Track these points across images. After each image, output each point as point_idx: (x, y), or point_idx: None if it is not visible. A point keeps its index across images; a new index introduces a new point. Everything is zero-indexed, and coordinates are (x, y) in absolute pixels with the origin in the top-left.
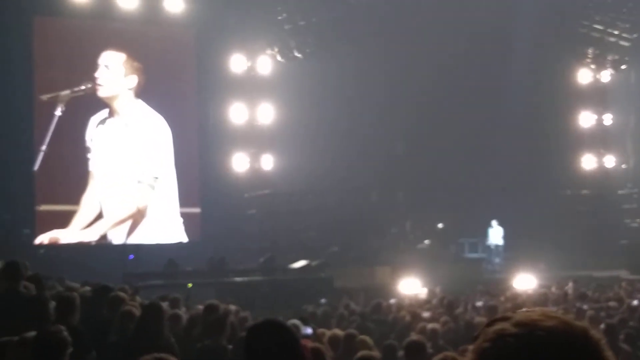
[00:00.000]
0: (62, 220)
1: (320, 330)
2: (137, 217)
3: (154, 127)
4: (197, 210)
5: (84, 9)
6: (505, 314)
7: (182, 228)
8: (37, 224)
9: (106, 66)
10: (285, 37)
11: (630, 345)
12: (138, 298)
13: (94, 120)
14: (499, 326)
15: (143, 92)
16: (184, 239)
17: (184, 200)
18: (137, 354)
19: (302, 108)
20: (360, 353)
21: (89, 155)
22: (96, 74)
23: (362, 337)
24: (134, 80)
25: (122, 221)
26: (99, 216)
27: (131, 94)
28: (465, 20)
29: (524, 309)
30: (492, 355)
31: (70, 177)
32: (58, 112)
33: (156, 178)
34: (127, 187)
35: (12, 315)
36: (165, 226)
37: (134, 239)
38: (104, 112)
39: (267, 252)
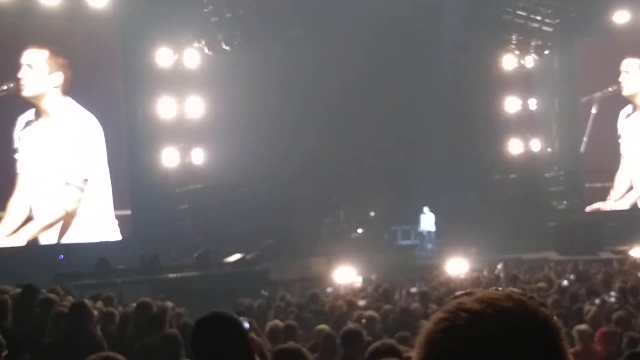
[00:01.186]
0: None
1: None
2: (66, 220)
3: (84, 126)
4: (128, 210)
5: (5, 6)
6: (470, 290)
7: (115, 227)
8: None
9: (29, 65)
10: (212, 30)
11: (563, 325)
12: (70, 298)
13: (21, 120)
14: (459, 300)
15: (71, 90)
16: (116, 237)
17: (117, 199)
18: (67, 355)
19: (231, 101)
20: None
21: (17, 157)
22: (19, 74)
23: (320, 326)
24: (59, 77)
25: (51, 225)
26: (27, 220)
27: (58, 92)
28: (391, 7)
29: (460, 292)
30: (447, 326)
31: None
32: None
33: (86, 180)
34: (55, 190)
35: None
36: (97, 226)
37: (65, 241)
38: (31, 113)
39: (200, 247)
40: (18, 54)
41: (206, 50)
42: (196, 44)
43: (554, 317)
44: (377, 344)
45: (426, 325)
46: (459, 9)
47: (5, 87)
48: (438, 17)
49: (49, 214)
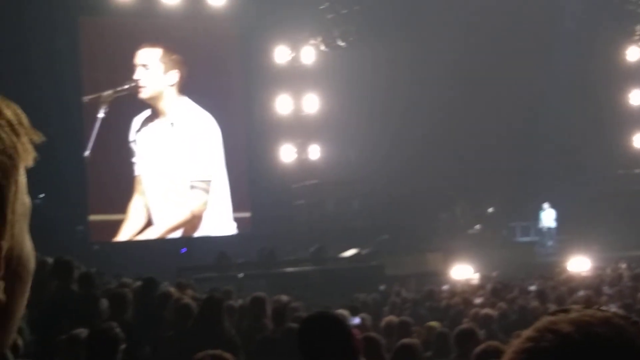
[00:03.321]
0: (111, 229)
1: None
2: (192, 223)
3: (202, 125)
4: (248, 212)
5: (127, 7)
6: (567, 306)
7: (234, 223)
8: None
9: (144, 65)
10: (328, 26)
11: None
12: (190, 291)
13: (137, 121)
14: (552, 318)
15: (187, 89)
16: (234, 231)
17: (236, 199)
18: (197, 348)
19: (347, 97)
20: (402, 341)
21: (134, 159)
22: (135, 75)
23: (431, 323)
24: (175, 75)
25: (176, 228)
26: (149, 223)
27: (174, 90)
28: (508, 4)
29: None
30: (531, 347)
31: (117, 183)
32: (101, 114)
33: (209, 181)
34: (180, 192)
35: (64, 314)
36: (218, 223)
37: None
38: (147, 113)
39: (316, 242)
40: (134, 54)
41: (322, 47)
42: (312, 41)
43: None
44: (482, 346)
45: (514, 342)
46: (579, 1)
47: (127, 87)
48: (559, 9)
49: (174, 216)
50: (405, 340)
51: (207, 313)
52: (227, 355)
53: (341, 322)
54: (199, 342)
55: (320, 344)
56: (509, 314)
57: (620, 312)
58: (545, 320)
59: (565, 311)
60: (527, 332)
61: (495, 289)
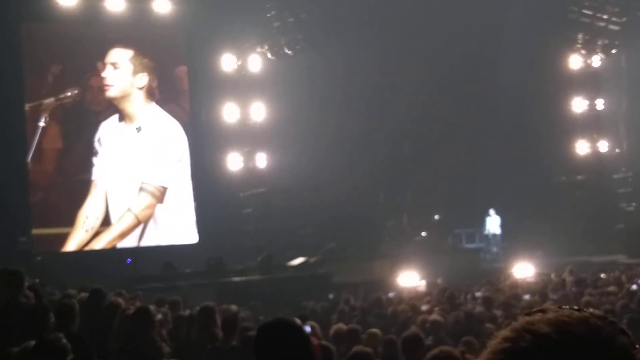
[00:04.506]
0: (57, 241)
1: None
2: (138, 227)
3: (168, 132)
4: (193, 215)
5: (71, 14)
6: (542, 307)
7: (183, 230)
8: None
9: (113, 64)
10: (274, 35)
11: (634, 331)
12: (137, 302)
13: (104, 124)
14: (529, 318)
15: (155, 94)
16: (182, 240)
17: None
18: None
19: (294, 105)
20: (355, 348)
21: (95, 161)
22: (103, 73)
23: (372, 330)
24: (144, 79)
25: (125, 233)
26: (102, 229)
27: (142, 95)
28: (454, 11)
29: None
30: (508, 348)
31: (63, 193)
32: (41, 122)
33: (164, 188)
34: (129, 195)
35: (14, 326)
36: (167, 230)
37: (131, 245)
38: (115, 117)
39: (264, 250)
40: (94, 57)
41: (269, 55)
42: (259, 49)
43: (635, 347)
44: (435, 350)
45: (491, 343)
46: (524, 9)
47: (69, 94)
48: (502, 16)
49: (121, 221)
50: (358, 348)
51: (135, 324)
52: None
53: (300, 329)
54: (132, 353)
55: (279, 351)
56: (455, 320)
57: (597, 312)
58: (522, 320)
59: (542, 311)
60: (504, 333)
61: (442, 295)
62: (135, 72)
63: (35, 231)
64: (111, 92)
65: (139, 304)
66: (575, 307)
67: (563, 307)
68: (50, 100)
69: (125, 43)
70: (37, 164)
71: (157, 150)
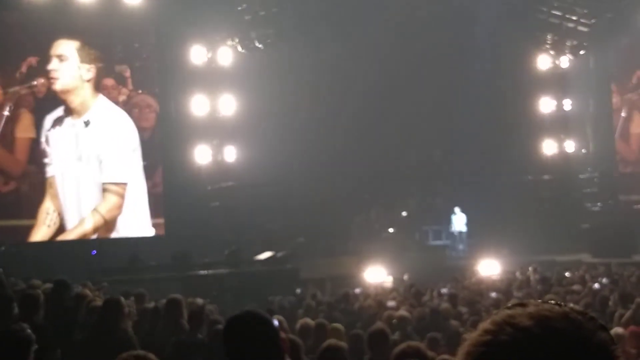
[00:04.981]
0: (20, 233)
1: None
2: (105, 228)
3: (118, 125)
4: (162, 218)
5: (38, 2)
6: (521, 301)
7: (152, 228)
8: None
9: (58, 56)
10: (245, 28)
11: None
12: (102, 294)
13: (49, 119)
14: (510, 312)
15: (102, 86)
16: (147, 233)
17: (151, 202)
18: (99, 351)
19: (264, 99)
20: (327, 342)
21: (46, 160)
22: (49, 66)
23: (334, 325)
24: (91, 70)
25: (88, 234)
26: (60, 229)
27: (89, 87)
28: (424, 7)
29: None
30: (490, 340)
31: (26, 186)
32: (6, 111)
33: (124, 184)
34: (92, 196)
35: None
36: (134, 226)
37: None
38: (60, 110)
39: (231, 244)
40: (49, 47)
41: (239, 48)
42: (229, 42)
43: (614, 343)
44: (402, 345)
45: (471, 335)
46: (493, 8)
47: (35, 83)
48: (472, 16)
49: (86, 222)
50: (332, 341)
51: (105, 315)
52: (151, 356)
53: (268, 321)
54: (100, 344)
55: (248, 343)
56: (421, 316)
57: (577, 307)
58: (503, 313)
59: (523, 305)
60: (485, 325)
61: (409, 291)
62: (81, 63)
63: (2, 222)
64: (57, 85)
65: (104, 296)
66: (556, 302)
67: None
68: (15, 89)
69: (71, 35)
70: (10, 153)
71: (110, 144)
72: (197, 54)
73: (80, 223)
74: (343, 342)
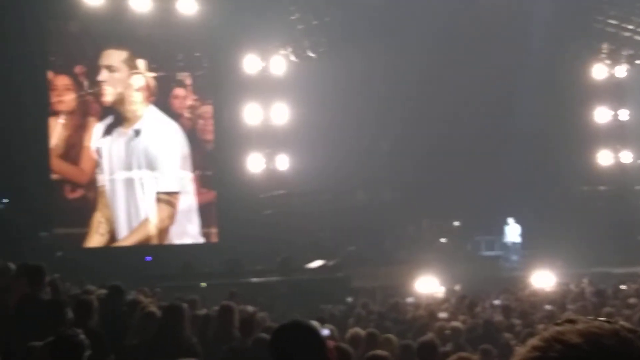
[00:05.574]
0: (76, 240)
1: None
2: (158, 237)
3: (169, 134)
4: (215, 224)
5: (97, 13)
6: (570, 317)
7: (200, 233)
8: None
9: (107, 67)
10: (298, 37)
11: None
12: (155, 300)
13: (99, 128)
14: (559, 328)
15: (154, 96)
16: (200, 240)
17: (204, 211)
18: (158, 356)
19: (317, 108)
20: (372, 352)
21: (97, 170)
22: (98, 77)
23: (387, 335)
24: (140, 80)
25: (140, 242)
26: (112, 239)
27: (139, 96)
28: (479, 17)
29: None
30: (538, 357)
31: (92, 192)
32: (61, 119)
33: (177, 193)
34: (144, 206)
35: (32, 320)
36: (183, 232)
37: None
38: (110, 119)
39: (283, 252)
40: (100, 57)
41: (292, 58)
42: (282, 51)
43: None
44: (454, 357)
45: (519, 351)
46: (548, 18)
47: (90, 91)
48: (526, 25)
49: (138, 232)
50: (377, 352)
51: (168, 321)
52: None
53: (315, 332)
54: (160, 350)
55: (293, 353)
56: (474, 328)
57: (628, 325)
58: (552, 330)
59: (572, 322)
60: (533, 342)
61: (461, 302)
62: (130, 74)
63: (57, 230)
64: (108, 97)
65: (157, 302)
66: (606, 319)
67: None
68: (72, 97)
69: (120, 45)
70: (76, 162)
71: (161, 153)
72: (251, 63)
73: (132, 232)
74: (395, 352)
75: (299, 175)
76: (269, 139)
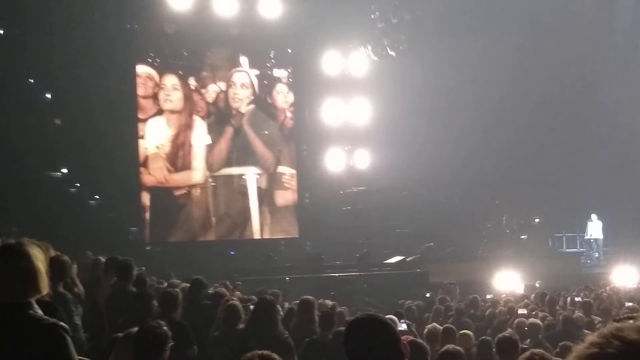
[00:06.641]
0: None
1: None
2: (260, 232)
3: (267, 131)
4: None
5: (188, 15)
6: (631, 314)
7: (284, 228)
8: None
9: (211, 65)
10: (378, 35)
11: None
12: (238, 293)
13: (201, 124)
14: (619, 325)
15: (255, 93)
16: (283, 235)
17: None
18: (251, 349)
19: (396, 105)
20: (445, 347)
21: (195, 164)
22: (203, 74)
23: (464, 331)
24: (244, 77)
25: (224, 235)
26: (200, 231)
27: (243, 93)
28: (562, 15)
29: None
30: (596, 353)
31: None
32: (166, 118)
33: (265, 189)
34: (233, 200)
35: (121, 312)
36: (269, 228)
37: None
38: (213, 117)
39: (362, 247)
40: (200, 58)
41: (372, 56)
42: (362, 49)
43: None
44: (527, 353)
45: (578, 347)
46: (632, 17)
47: (203, 91)
48: (609, 24)
49: (221, 225)
50: (450, 347)
51: (260, 315)
52: (275, 356)
53: (389, 326)
54: (253, 343)
55: (366, 347)
56: (554, 324)
57: None
58: (611, 326)
59: (632, 318)
60: (592, 338)
61: (541, 299)
62: (232, 73)
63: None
64: (210, 95)
65: (239, 295)
66: None
67: None
68: (179, 96)
69: (226, 42)
70: (180, 162)
71: (257, 150)
72: (331, 61)
73: (217, 224)
74: (472, 348)
75: (378, 172)
76: (348, 136)
